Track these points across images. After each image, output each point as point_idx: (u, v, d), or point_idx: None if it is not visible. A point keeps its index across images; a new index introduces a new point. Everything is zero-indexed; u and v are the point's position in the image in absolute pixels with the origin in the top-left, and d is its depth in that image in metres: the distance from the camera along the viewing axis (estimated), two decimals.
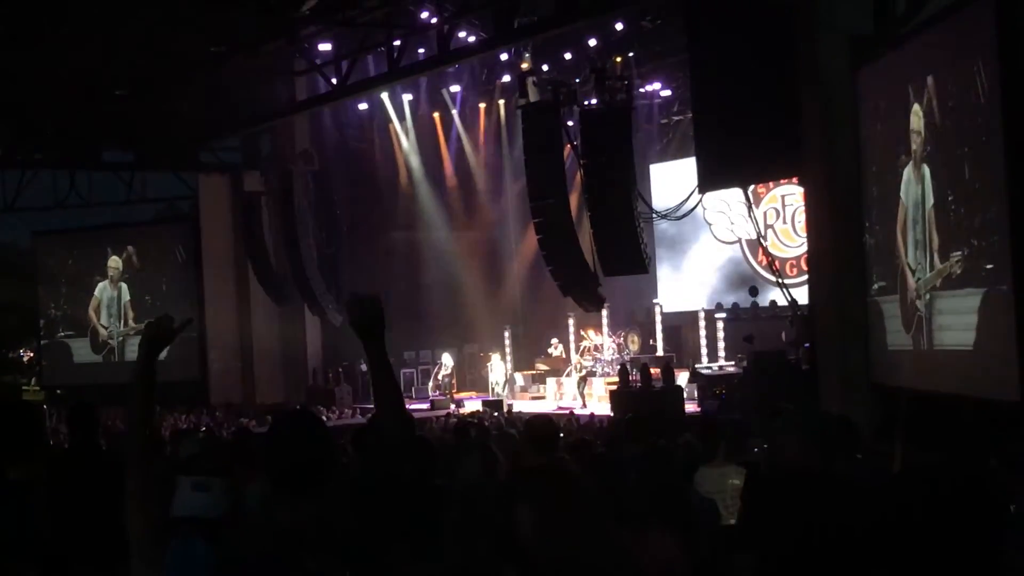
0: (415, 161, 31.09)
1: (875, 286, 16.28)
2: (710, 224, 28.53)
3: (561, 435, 10.84)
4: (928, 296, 14.42)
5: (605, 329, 28.19)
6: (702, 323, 27.82)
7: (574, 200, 24.92)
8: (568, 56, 26.42)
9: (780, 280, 23.00)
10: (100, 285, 33.08)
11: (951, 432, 4.94)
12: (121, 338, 32.83)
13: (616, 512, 3.80)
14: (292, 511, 3.89)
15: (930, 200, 14.27)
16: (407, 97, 30.08)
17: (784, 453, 5.04)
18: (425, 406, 27.34)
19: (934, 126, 14.14)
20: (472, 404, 27.19)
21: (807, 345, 19.19)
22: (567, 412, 22.34)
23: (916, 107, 14.58)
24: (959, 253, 13.51)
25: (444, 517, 4.30)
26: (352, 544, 3.98)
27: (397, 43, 23.74)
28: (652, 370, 23.46)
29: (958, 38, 13.52)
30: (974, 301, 13.23)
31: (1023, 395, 11.77)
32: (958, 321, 13.78)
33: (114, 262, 32.94)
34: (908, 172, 14.91)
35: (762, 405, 17.62)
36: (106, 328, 33.02)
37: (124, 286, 32.86)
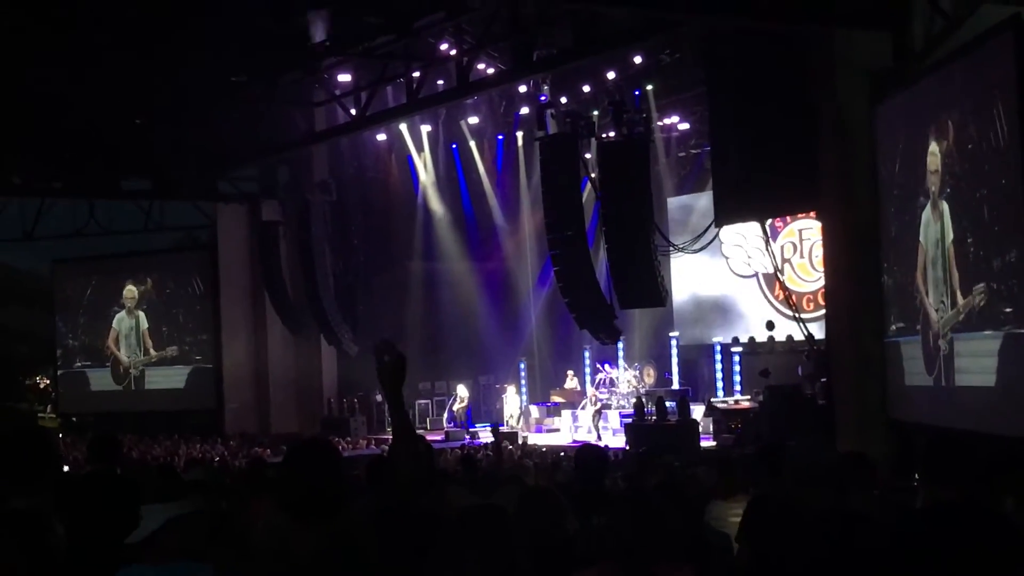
0: (433, 192, 31.14)
1: (893, 327, 16.23)
2: (727, 257, 28.48)
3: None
4: (950, 335, 14.35)
5: (621, 362, 28.14)
6: (718, 357, 27.73)
7: (591, 232, 24.91)
8: (587, 88, 26.49)
9: (797, 315, 22.98)
10: (118, 316, 33.18)
11: (969, 469, 4.91)
12: (140, 368, 32.91)
13: (633, 545, 3.78)
14: (306, 538, 3.89)
15: (949, 236, 14.25)
16: (426, 128, 30.15)
17: (795, 488, 5.03)
18: (439, 437, 27.30)
19: (952, 166, 14.13)
20: (487, 436, 27.11)
21: (823, 380, 19.13)
22: (581, 445, 22.23)
23: (933, 146, 14.57)
24: (982, 285, 13.47)
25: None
26: (366, 572, 3.97)
27: (416, 74, 23.83)
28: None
29: (977, 76, 13.54)
30: (994, 344, 13.19)
31: None
32: (978, 363, 13.74)
33: (130, 292, 33.04)
34: (927, 214, 14.89)
35: (776, 440, 17.56)
36: (127, 358, 33.10)
37: (142, 315, 32.95)
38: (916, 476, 6.49)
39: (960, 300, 14.10)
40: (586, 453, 7.84)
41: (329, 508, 3.94)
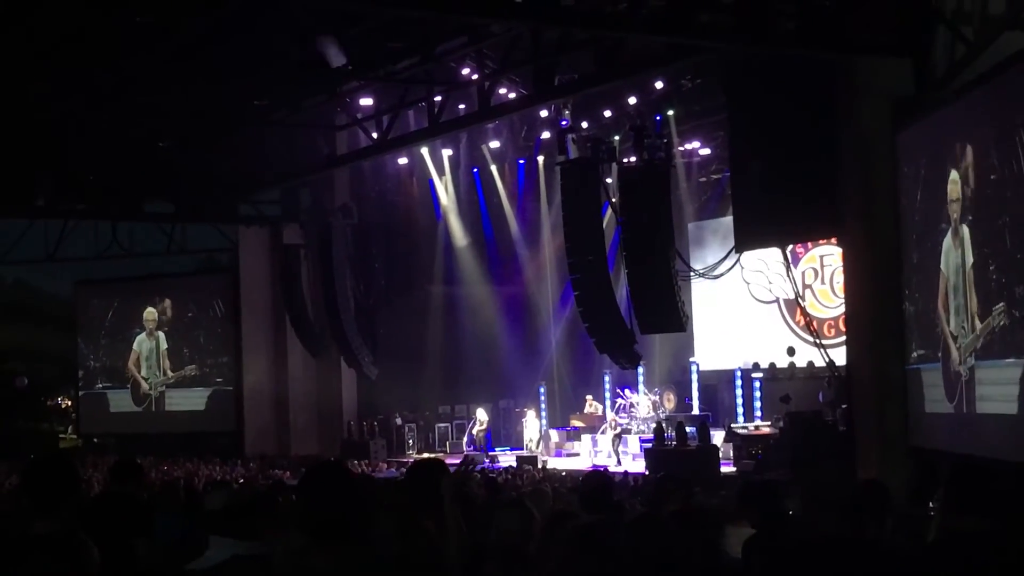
0: (453, 216, 31.19)
1: (914, 354, 16.18)
2: (748, 283, 28.43)
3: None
4: (972, 360, 14.30)
5: (641, 387, 28.10)
6: (739, 382, 27.66)
7: (612, 257, 24.92)
8: (608, 113, 26.53)
9: (818, 341, 22.90)
10: (139, 338, 33.32)
11: (992, 496, 4.88)
12: (160, 389, 33.02)
13: (651, 570, 3.78)
14: (323, 560, 3.90)
15: (970, 260, 14.22)
16: (447, 152, 30.21)
17: (809, 515, 5.00)
18: (458, 461, 27.27)
19: (974, 193, 14.11)
20: (507, 459, 27.11)
21: (844, 407, 19.08)
22: (601, 470, 22.21)
23: (954, 174, 14.56)
24: (1001, 305, 13.43)
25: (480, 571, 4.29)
26: None
27: (438, 99, 23.92)
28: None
29: (998, 103, 13.53)
30: (1016, 371, 13.16)
31: None
32: (1000, 390, 13.70)
33: (151, 313, 33.17)
34: (947, 241, 14.87)
35: (798, 466, 17.50)
36: (146, 380, 33.22)
37: (162, 336, 33.08)
38: (931, 504, 6.45)
39: (979, 323, 14.06)
40: (592, 480, 7.91)
41: (345, 530, 3.95)
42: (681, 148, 27.54)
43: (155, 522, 4.94)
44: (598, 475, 8.32)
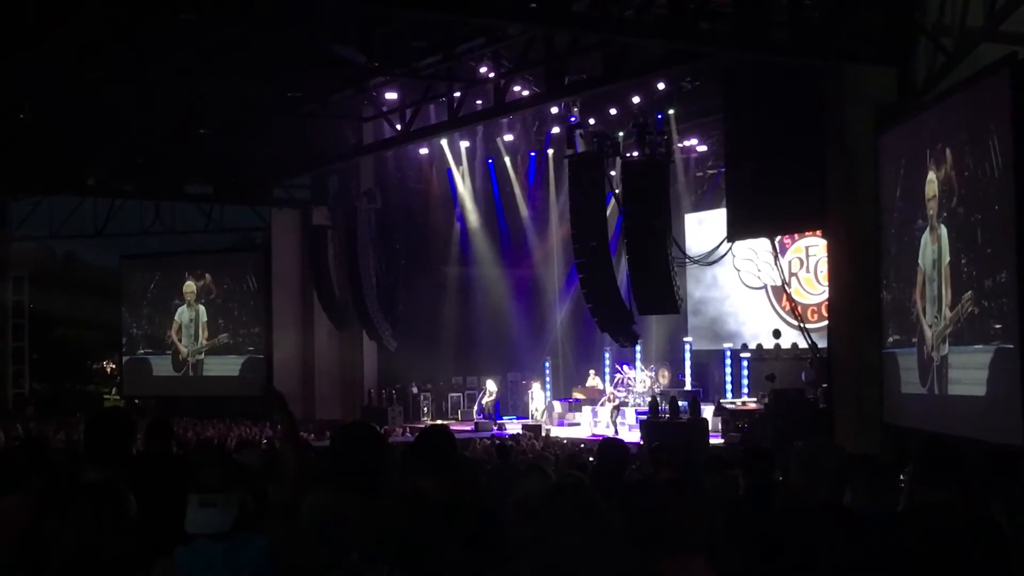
0: (469, 202, 31.19)
1: (890, 339, 16.18)
2: (738, 270, 28.40)
3: (592, 460, 10.83)
4: (944, 346, 14.30)
5: (638, 363, 28.12)
6: (728, 361, 27.64)
7: (614, 244, 24.90)
8: (613, 111, 26.50)
9: (802, 324, 22.91)
10: (180, 309, 33.40)
11: (959, 472, 4.89)
12: (198, 356, 33.13)
13: (651, 538, 3.77)
14: (351, 512, 3.91)
15: (946, 258, 14.20)
16: (464, 144, 30.22)
17: (794, 486, 4.99)
18: (469, 427, 27.37)
19: (950, 192, 14.09)
20: (513, 427, 27.17)
21: (824, 386, 19.07)
22: (600, 439, 22.24)
23: (932, 174, 14.53)
24: (969, 294, 13.44)
25: (500, 535, 4.25)
26: (404, 549, 3.99)
27: (457, 94, 23.91)
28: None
29: (974, 109, 13.49)
30: (984, 357, 13.15)
31: None
32: (969, 374, 13.70)
33: (190, 287, 33.24)
34: (925, 237, 14.85)
35: (780, 439, 17.49)
36: (185, 348, 33.31)
37: (201, 308, 33.16)
38: (902, 477, 6.44)
39: (950, 313, 14.06)
40: (608, 446, 7.80)
41: (373, 485, 3.97)
42: (680, 145, 27.50)
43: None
44: (616, 446, 7.96)
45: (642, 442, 21.75)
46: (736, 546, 4.85)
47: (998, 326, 12.78)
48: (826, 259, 19.67)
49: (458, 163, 30.66)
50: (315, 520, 4.12)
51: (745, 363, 27.12)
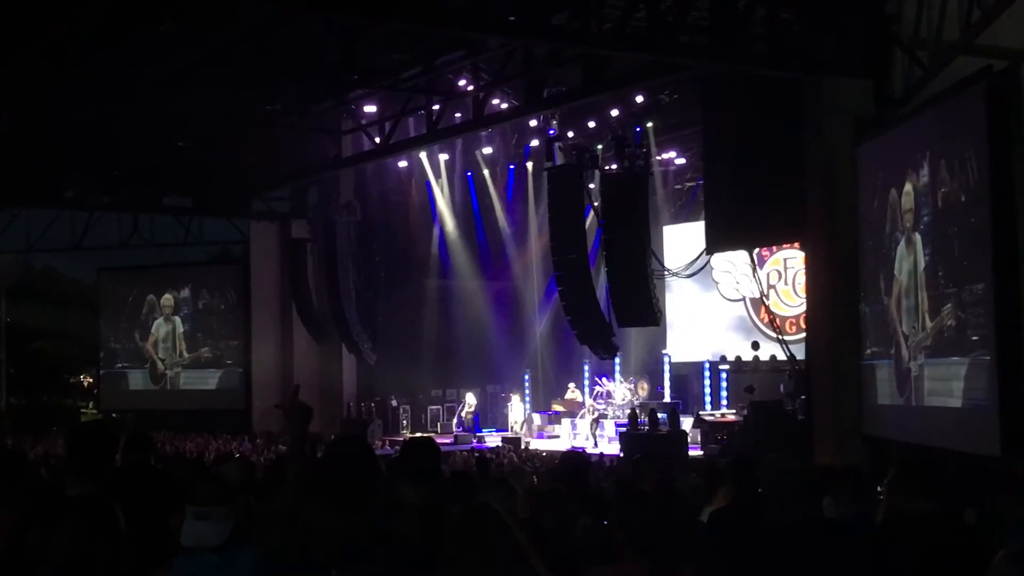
0: (448, 215, 31.20)
1: (868, 350, 16.24)
2: (717, 283, 28.50)
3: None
4: (921, 358, 14.37)
5: (617, 376, 28.15)
6: (707, 373, 27.73)
7: (593, 256, 24.94)
8: (592, 124, 26.56)
9: (780, 336, 22.98)
10: (157, 322, 33.22)
11: (937, 483, 4.92)
12: (176, 369, 32.97)
13: (638, 547, 3.79)
14: (342, 525, 3.92)
15: (921, 266, 14.28)
16: (443, 157, 30.23)
17: (771, 498, 5.01)
18: (449, 440, 27.34)
19: (926, 204, 14.17)
20: (493, 440, 27.14)
21: (803, 397, 19.13)
22: (579, 451, 22.24)
23: (908, 186, 14.62)
24: (949, 306, 13.50)
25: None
26: (399, 558, 4.01)
27: (436, 107, 23.92)
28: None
29: (950, 121, 13.59)
30: (960, 368, 13.22)
31: (1003, 450, 11.74)
32: (946, 385, 13.77)
33: (167, 300, 33.10)
34: (901, 248, 14.93)
35: (758, 451, 17.54)
36: (163, 361, 33.16)
37: (178, 321, 33.00)
38: (879, 488, 6.47)
39: (929, 323, 14.13)
40: (570, 458, 8.00)
41: (364, 497, 3.99)
42: (658, 157, 27.62)
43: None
44: (576, 456, 8.35)
45: (622, 454, 21.79)
46: (723, 556, 4.87)
47: (975, 337, 12.86)
48: (804, 271, 19.75)
49: (437, 176, 30.67)
50: (305, 530, 4.14)
51: (724, 375, 27.21)
